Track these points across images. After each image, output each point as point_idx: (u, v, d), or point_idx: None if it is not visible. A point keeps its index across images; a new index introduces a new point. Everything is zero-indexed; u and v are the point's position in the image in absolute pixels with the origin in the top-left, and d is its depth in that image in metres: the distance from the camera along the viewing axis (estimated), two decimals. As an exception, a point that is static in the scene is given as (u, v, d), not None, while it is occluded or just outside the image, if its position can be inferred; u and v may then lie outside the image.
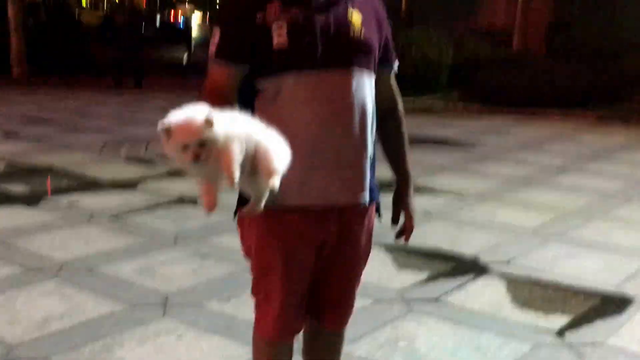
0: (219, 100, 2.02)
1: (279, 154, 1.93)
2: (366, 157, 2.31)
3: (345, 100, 2.22)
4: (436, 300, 4.22)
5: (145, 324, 3.78)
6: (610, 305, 4.21)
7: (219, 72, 2.20)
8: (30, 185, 6.82)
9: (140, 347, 3.54)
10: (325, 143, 2.21)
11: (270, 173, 1.89)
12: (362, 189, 2.32)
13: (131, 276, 4.48)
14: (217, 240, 5.16)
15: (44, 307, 3.97)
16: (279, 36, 2.15)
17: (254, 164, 1.90)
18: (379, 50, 2.34)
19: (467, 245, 5.25)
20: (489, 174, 7.74)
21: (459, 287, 4.44)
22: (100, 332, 3.68)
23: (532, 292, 4.37)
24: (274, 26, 2.15)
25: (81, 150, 8.70)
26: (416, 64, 13.54)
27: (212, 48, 2.21)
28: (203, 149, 1.79)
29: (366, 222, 2.40)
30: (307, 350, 2.63)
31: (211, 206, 1.87)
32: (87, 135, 9.83)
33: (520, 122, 11.66)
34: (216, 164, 1.82)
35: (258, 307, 2.42)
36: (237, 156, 1.82)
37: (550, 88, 12.33)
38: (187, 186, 6.37)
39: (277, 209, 2.16)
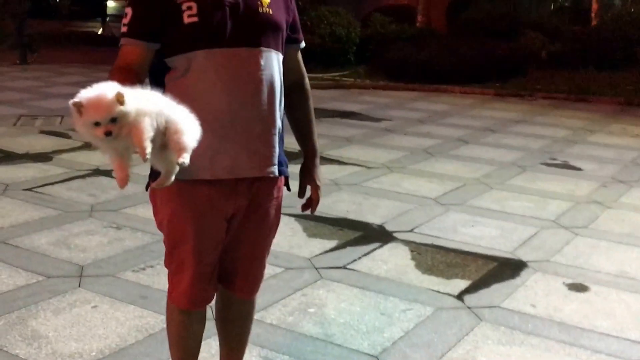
0: (130, 77, 2.08)
1: (189, 130, 2.00)
2: (275, 132, 2.40)
3: (254, 76, 2.30)
4: (344, 267, 4.40)
5: (61, 295, 3.82)
6: (506, 269, 4.48)
7: (130, 51, 2.25)
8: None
9: (55, 318, 3.57)
10: (234, 118, 2.29)
11: (180, 149, 1.96)
12: (271, 163, 2.42)
13: (46, 248, 4.48)
14: (132, 211, 5.20)
15: (-45, 281, 3.93)
16: (190, 13, 2.22)
17: (165, 139, 1.97)
18: (287, 29, 2.44)
19: (373, 214, 5.46)
20: (394, 146, 7.98)
21: (366, 254, 4.63)
22: (15, 304, 3.70)
23: (435, 259, 4.61)
24: (184, 5, 2.22)
25: (-6, 123, 8.47)
26: (325, 41, 13.72)
27: (124, 28, 2.27)
28: (115, 125, 1.85)
29: (275, 194, 2.51)
30: (220, 318, 2.73)
31: (124, 181, 1.94)
32: (1, 108, 9.54)
33: (423, 97, 12.00)
34: (128, 140, 1.88)
35: (171, 277, 2.50)
36: (148, 131, 1.89)
37: (452, 64, 12.72)
38: (102, 158, 6.28)
39: (189, 182, 2.26)
